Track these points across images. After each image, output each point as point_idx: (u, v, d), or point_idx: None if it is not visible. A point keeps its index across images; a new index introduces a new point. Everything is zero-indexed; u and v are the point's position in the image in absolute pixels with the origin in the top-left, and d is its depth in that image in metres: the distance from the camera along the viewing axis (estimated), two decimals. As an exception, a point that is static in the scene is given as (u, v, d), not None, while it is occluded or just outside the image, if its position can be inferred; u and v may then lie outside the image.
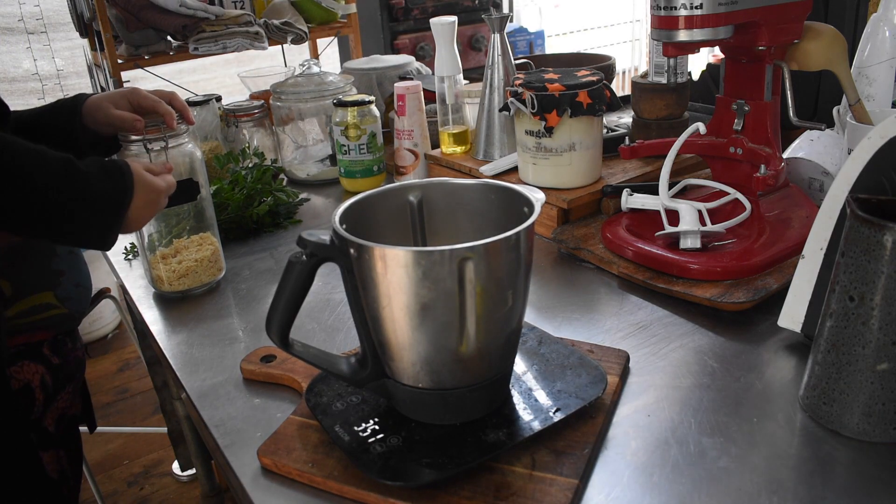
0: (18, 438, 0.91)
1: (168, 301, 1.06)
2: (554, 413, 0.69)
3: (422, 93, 1.35)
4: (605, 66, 1.43)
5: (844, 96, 1.01)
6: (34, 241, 0.99)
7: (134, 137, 0.98)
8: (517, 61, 1.39)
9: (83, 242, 0.87)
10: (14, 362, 0.94)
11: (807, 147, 1.10)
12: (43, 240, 0.90)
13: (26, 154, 0.77)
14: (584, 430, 0.69)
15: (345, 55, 2.93)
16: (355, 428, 0.69)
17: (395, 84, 1.34)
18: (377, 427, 0.69)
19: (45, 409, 0.97)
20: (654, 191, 1.04)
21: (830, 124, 1.11)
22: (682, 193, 1.08)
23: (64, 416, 1.01)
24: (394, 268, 0.62)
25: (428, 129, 1.38)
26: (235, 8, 2.42)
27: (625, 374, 0.79)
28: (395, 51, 2.29)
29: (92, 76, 2.73)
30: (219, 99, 1.52)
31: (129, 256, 1.23)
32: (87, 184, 0.81)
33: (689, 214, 0.98)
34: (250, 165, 1.31)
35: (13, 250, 0.98)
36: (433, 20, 1.30)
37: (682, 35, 0.91)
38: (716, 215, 1.00)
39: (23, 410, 0.94)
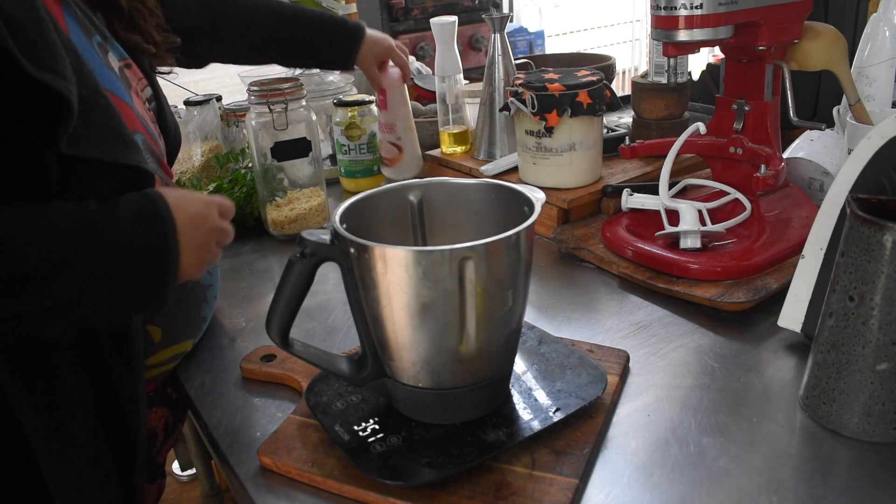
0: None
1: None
2: (554, 413, 0.69)
3: (405, 87, 1.33)
4: (605, 66, 1.43)
5: (844, 96, 1.01)
6: (191, 285, 0.89)
7: (258, 100, 1.16)
8: (517, 61, 1.39)
9: (130, 310, 0.71)
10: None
11: (807, 147, 1.10)
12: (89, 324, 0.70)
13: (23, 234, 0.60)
14: (583, 429, 0.69)
15: (345, 55, 2.92)
16: (355, 427, 0.69)
17: (382, 75, 1.30)
18: (377, 426, 0.69)
19: (161, 447, 0.92)
20: (654, 191, 1.04)
21: (830, 124, 1.11)
22: (682, 193, 1.08)
23: (174, 446, 0.98)
24: (394, 267, 0.62)
25: (413, 122, 1.36)
26: (235, 8, 2.41)
27: (625, 373, 0.79)
28: (396, 51, 2.28)
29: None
30: (219, 99, 1.52)
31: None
32: (115, 239, 0.63)
33: (689, 214, 0.98)
34: (250, 165, 1.31)
35: None
36: (433, 20, 1.30)
37: (683, 35, 0.91)
38: (716, 215, 1.00)
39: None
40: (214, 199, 0.74)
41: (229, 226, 0.75)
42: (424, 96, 1.63)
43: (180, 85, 1.59)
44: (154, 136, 0.81)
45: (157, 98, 0.89)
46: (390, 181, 1.13)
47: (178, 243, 0.67)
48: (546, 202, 0.71)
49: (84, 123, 0.64)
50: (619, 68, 2.79)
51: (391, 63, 1.28)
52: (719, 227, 0.96)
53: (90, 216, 0.63)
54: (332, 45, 1.22)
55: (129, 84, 0.80)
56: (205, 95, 1.51)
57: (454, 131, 1.34)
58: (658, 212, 1.03)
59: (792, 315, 0.81)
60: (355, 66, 1.26)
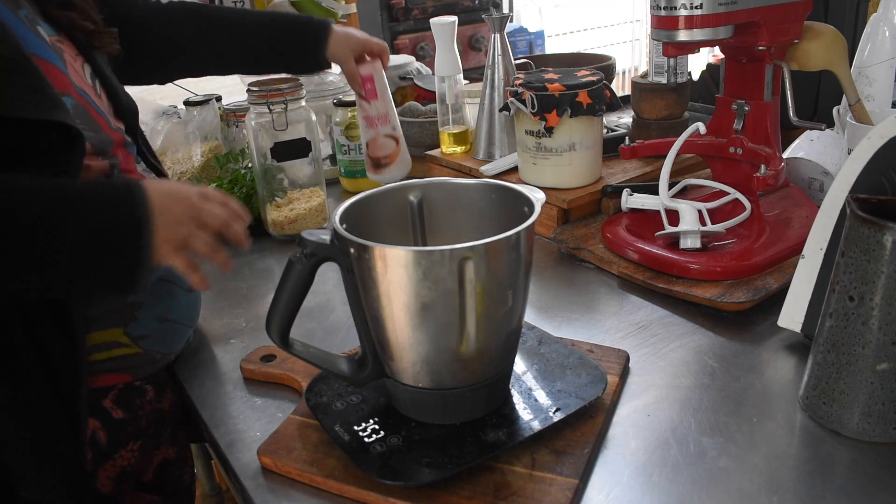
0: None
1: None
2: (554, 413, 0.69)
3: (385, 75, 1.21)
4: (605, 66, 1.43)
5: (844, 96, 1.01)
6: None
7: (257, 100, 1.15)
8: (517, 61, 1.39)
9: (101, 291, 0.75)
10: None
11: (807, 147, 1.10)
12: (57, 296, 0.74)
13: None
14: (583, 429, 0.69)
15: (345, 55, 2.91)
16: (355, 427, 0.69)
17: (360, 66, 1.17)
18: (377, 427, 0.69)
19: (95, 468, 0.82)
20: (654, 191, 1.04)
21: (830, 124, 1.11)
22: (682, 193, 1.08)
23: (124, 475, 0.85)
24: (394, 267, 0.62)
25: (396, 112, 1.25)
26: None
27: (625, 373, 0.79)
28: (395, 51, 2.29)
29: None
30: (219, 99, 1.52)
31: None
32: (84, 218, 0.66)
33: (689, 214, 0.98)
34: (250, 165, 1.31)
35: None
36: (433, 20, 1.30)
37: (683, 35, 0.91)
38: (716, 215, 1.00)
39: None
40: (198, 187, 0.74)
41: (214, 206, 0.73)
42: (424, 96, 1.62)
43: (180, 85, 1.59)
44: (91, 102, 0.80)
45: (101, 75, 0.87)
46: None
47: (150, 207, 0.67)
48: (546, 202, 0.71)
49: (7, 83, 0.68)
50: (619, 68, 2.79)
51: (368, 57, 1.16)
52: (719, 227, 0.96)
53: (67, 190, 0.68)
54: (300, 44, 1.13)
55: (61, 54, 0.80)
56: (205, 96, 1.51)
57: (454, 131, 1.34)
58: (658, 212, 1.03)
59: (792, 315, 0.81)
60: (331, 64, 1.15)
